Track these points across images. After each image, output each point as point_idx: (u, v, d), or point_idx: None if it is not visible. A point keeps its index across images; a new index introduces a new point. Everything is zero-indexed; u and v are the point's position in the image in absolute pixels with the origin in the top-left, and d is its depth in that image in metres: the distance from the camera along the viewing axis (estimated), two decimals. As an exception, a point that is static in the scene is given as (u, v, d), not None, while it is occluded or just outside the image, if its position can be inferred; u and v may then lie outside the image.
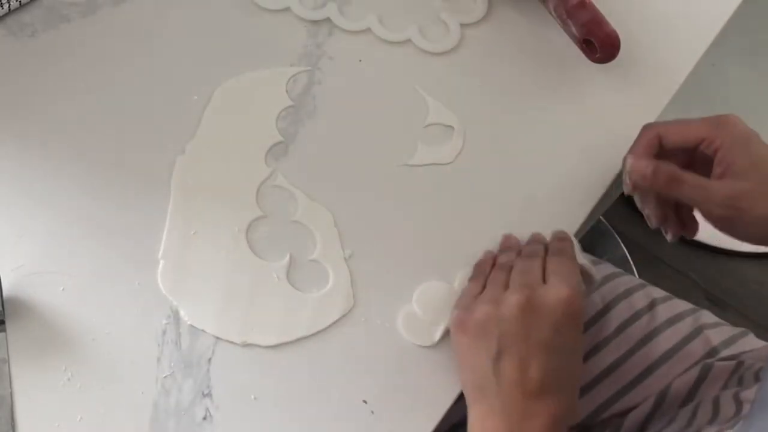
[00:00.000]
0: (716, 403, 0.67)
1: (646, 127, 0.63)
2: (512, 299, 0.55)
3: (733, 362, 0.72)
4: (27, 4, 0.68)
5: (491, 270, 0.60)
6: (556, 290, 0.55)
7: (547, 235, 0.62)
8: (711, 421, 0.66)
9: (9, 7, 0.67)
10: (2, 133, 0.63)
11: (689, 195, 0.61)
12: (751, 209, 0.59)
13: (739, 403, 0.66)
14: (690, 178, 0.60)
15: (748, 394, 0.67)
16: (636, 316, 0.76)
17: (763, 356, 0.72)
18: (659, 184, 0.61)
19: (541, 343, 0.54)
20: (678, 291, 0.82)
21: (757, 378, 0.69)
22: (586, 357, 0.75)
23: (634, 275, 0.83)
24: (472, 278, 0.60)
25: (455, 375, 0.57)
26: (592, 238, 1.55)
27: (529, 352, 0.54)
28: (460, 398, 0.57)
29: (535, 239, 0.62)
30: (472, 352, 0.55)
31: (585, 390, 0.74)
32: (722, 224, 0.62)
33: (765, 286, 1.58)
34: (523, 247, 0.61)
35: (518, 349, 0.54)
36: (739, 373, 0.71)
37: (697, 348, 0.74)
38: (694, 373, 0.72)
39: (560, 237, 0.62)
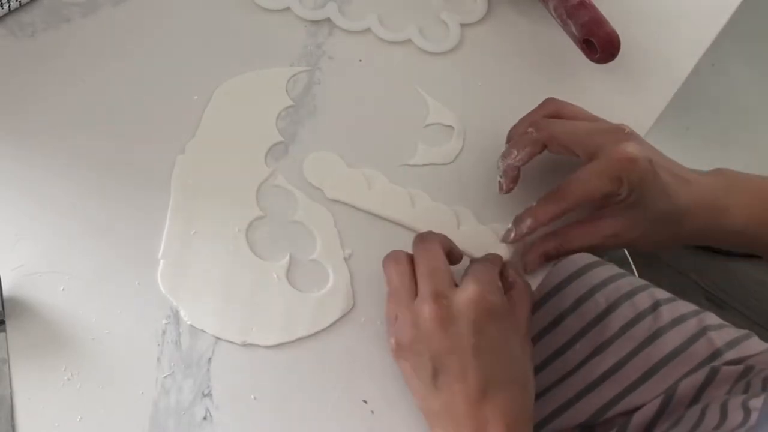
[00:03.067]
0: (724, 409, 0.67)
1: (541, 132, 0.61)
2: (425, 312, 0.53)
3: (740, 366, 0.72)
4: (27, 4, 0.68)
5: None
6: (465, 291, 0.54)
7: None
8: (718, 426, 0.66)
9: (9, 7, 0.67)
10: (2, 133, 0.63)
11: (580, 245, 0.61)
12: (630, 244, 0.61)
13: (747, 411, 0.66)
14: (576, 244, 0.60)
15: (756, 402, 0.67)
16: (639, 317, 0.76)
17: None
18: (557, 259, 0.62)
19: (467, 349, 0.53)
20: (678, 291, 0.82)
21: (765, 385, 0.69)
22: (589, 358, 0.75)
23: (634, 275, 0.83)
24: (388, 299, 0.58)
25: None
26: (592, 238, 1.54)
27: (460, 361, 0.53)
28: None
29: None
30: (414, 377, 0.55)
31: (588, 389, 0.74)
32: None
33: (765, 286, 1.58)
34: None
35: (449, 362, 0.53)
36: (748, 378, 0.71)
37: (700, 349, 0.74)
38: (701, 375, 0.72)
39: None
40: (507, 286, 0.57)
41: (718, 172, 0.62)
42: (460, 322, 0.53)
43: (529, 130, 0.60)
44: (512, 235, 0.61)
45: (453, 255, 0.58)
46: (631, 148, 0.57)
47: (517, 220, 0.61)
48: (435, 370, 0.53)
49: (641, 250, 0.61)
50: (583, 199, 0.58)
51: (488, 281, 0.55)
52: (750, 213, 0.60)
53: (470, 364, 0.53)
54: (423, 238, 0.58)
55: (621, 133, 0.59)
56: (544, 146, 0.60)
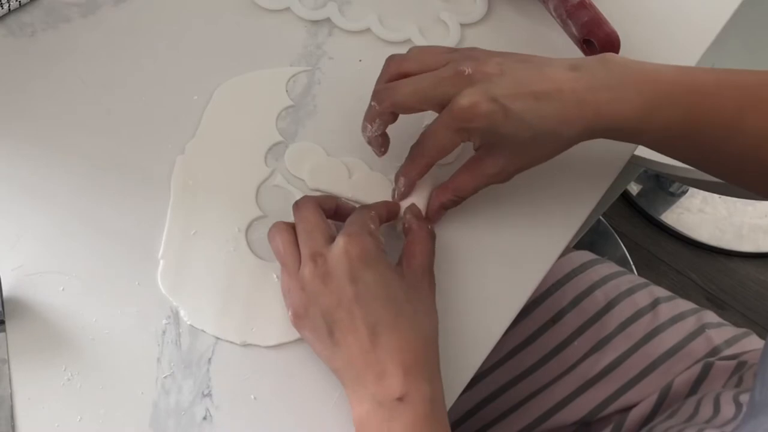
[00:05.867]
0: (717, 403, 0.68)
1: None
2: (306, 274, 0.54)
3: (734, 361, 0.72)
4: (27, 4, 0.68)
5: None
6: (336, 245, 0.55)
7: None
8: (711, 419, 0.66)
9: (9, 7, 0.67)
10: (2, 133, 0.63)
11: (472, 189, 0.61)
12: (519, 170, 0.60)
13: (738, 404, 0.67)
14: (464, 188, 0.61)
15: (746, 396, 0.67)
16: (638, 315, 0.76)
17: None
18: (446, 209, 0.62)
19: (350, 300, 0.53)
20: (678, 291, 0.82)
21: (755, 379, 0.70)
22: (587, 355, 0.75)
23: (634, 274, 0.83)
24: (281, 272, 0.58)
25: (462, 364, 0.58)
26: (592, 238, 1.55)
27: (348, 313, 0.53)
28: (467, 388, 0.58)
29: None
30: (316, 341, 0.55)
31: (587, 386, 0.74)
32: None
33: (765, 286, 1.58)
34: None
35: (339, 316, 0.53)
36: (740, 372, 0.71)
37: (699, 347, 0.74)
38: (696, 370, 0.73)
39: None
40: (405, 231, 0.60)
41: (602, 61, 0.58)
42: (337, 275, 0.54)
43: (372, 103, 0.60)
44: (396, 194, 0.62)
45: (340, 210, 0.60)
46: (468, 97, 0.55)
47: (395, 180, 0.62)
48: (329, 328, 0.54)
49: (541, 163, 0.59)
50: (439, 154, 0.59)
51: (357, 231, 0.55)
52: (632, 106, 0.56)
53: (356, 314, 0.53)
54: (297, 205, 0.59)
55: (461, 78, 0.56)
56: (394, 114, 0.60)
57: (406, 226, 0.60)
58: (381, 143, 0.62)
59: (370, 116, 0.60)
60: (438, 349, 0.56)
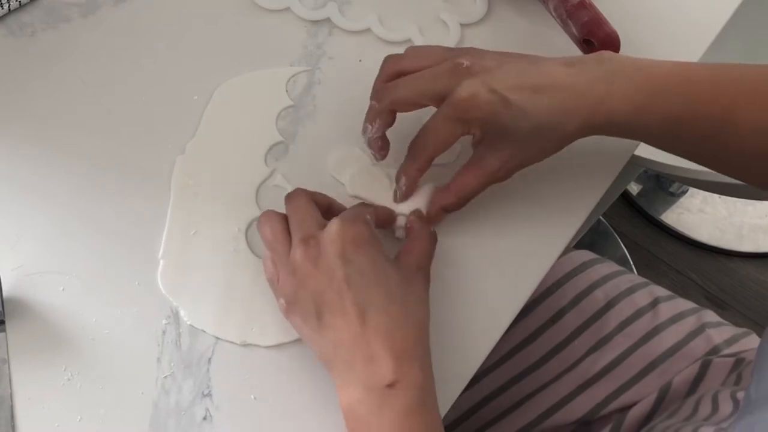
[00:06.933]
0: (715, 400, 0.68)
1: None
2: (297, 256, 0.54)
3: (732, 359, 0.72)
4: (27, 4, 0.68)
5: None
6: (330, 227, 0.54)
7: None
8: (709, 417, 0.66)
9: (9, 7, 0.67)
10: (2, 133, 0.63)
11: (473, 189, 0.60)
12: (522, 165, 0.60)
13: (736, 401, 0.67)
14: (470, 185, 0.60)
15: (744, 393, 0.68)
16: (638, 314, 0.76)
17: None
18: (455, 208, 0.61)
19: (341, 280, 0.52)
20: (678, 290, 0.82)
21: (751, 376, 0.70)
22: (587, 354, 0.75)
23: (634, 274, 0.83)
24: (265, 261, 0.58)
25: (462, 363, 0.58)
26: (592, 238, 1.55)
27: (337, 294, 0.52)
28: (468, 386, 0.57)
29: None
30: (304, 326, 0.54)
31: (587, 385, 0.74)
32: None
33: (765, 286, 1.58)
34: None
35: (328, 297, 0.53)
36: (738, 370, 0.71)
37: (698, 346, 0.74)
38: (694, 369, 0.73)
39: None
40: (406, 232, 0.60)
41: (598, 59, 0.58)
42: (329, 257, 0.53)
43: (372, 102, 0.60)
44: (398, 195, 0.61)
45: (332, 209, 0.59)
46: (467, 88, 0.55)
47: (396, 180, 0.61)
48: (318, 310, 0.53)
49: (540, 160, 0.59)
50: (440, 148, 0.58)
51: (352, 217, 0.55)
52: (629, 100, 0.56)
53: (346, 295, 0.52)
54: (289, 196, 0.58)
55: (459, 70, 0.57)
56: (393, 112, 0.60)
57: (409, 226, 0.60)
58: (380, 146, 0.61)
59: (370, 116, 0.60)
60: (428, 339, 0.55)
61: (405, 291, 0.54)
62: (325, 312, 0.53)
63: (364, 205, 0.59)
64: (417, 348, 0.53)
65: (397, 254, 0.58)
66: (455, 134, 0.58)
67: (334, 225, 0.54)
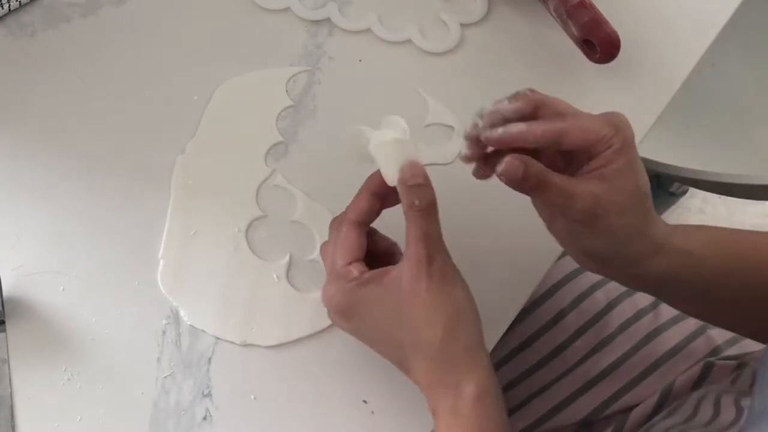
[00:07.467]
0: (717, 404, 0.67)
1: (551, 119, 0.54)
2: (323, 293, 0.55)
3: (734, 362, 0.72)
4: (27, 4, 0.68)
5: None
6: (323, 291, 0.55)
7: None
8: (710, 422, 0.66)
9: (9, 7, 0.67)
10: (2, 133, 0.63)
11: (551, 199, 0.53)
12: (604, 216, 0.53)
13: (739, 408, 0.66)
14: (557, 181, 0.52)
15: (747, 400, 0.67)
16: (639, 315, 0.76)
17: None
18: (526, 187, 0.53)
19: (349, 332, 0.56)
20: (678, 291, 0.82)
21: (753, 380, 0.70)
22: (588, 355, 0.75)
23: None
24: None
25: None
26: (592, 238, 1.55)
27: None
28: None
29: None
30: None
31: (588, 387, 0.74)
32: (574, 230, 0.55)
33: (765, 286, 1.57)
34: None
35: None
36: (740, 372, 0.71)
37: (700, 347, 0.74)
38: (697, 370, 0.72)
39: None
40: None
41: (699, 229, 0.58)
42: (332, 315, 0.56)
43: (526, 91, 0.55)
44: (482, 135, 0.53)
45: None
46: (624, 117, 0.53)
47: (492, 118, 0.53)
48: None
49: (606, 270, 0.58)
50: (580, 131, 0.52)
51: (328, 280, 0.55)
52: (721, 262, 0.56)
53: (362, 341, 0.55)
54: (331, 224, 0.57)
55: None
56: (536, 108, 0.53)
57: (405, 210, 0.54)
58: (496, 125, 0.53)
59: (512, 100, 0.54)
60: (466, 330, 0.54)
61: (409, 322, 0.52)
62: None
63: (324, 247, 0.57)
64: (447, 361, 0.53)
65: (402, 258, 0.54)
66: (600, 131, 0.52)
67: (323, 289, 0.55)
